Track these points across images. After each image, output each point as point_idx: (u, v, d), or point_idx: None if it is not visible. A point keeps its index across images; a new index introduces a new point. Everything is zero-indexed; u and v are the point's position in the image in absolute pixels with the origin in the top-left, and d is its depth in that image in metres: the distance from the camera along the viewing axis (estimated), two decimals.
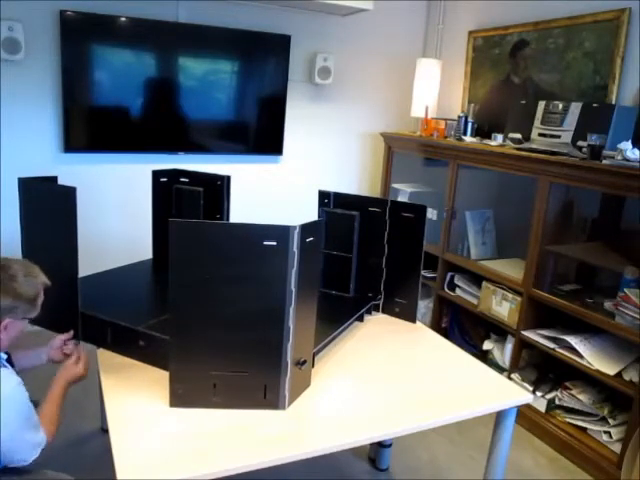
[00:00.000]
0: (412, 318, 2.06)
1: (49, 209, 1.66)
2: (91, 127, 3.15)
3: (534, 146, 2.57)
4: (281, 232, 1.34)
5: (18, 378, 1.37)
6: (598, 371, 2.27)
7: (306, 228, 1.38)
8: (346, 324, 1.92)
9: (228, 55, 3.38)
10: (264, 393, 1.44)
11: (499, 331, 2.90)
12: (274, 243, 1.34)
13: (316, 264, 1.50)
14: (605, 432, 2.33)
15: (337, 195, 2.10)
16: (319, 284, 1.55)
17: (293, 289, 1.38)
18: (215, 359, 1.40)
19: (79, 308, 1.67)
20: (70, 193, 1.57)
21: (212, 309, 1.37)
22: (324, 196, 2.12)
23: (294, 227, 1.34)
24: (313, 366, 1.62)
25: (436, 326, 3.26)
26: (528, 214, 2.56)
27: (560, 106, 2.50)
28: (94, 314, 1.71)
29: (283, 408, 1.46)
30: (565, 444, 2.43)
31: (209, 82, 3.34)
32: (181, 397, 1.42)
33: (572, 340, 2.39)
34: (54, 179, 1.82)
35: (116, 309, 1.79)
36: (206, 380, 1.42)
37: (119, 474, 1.18)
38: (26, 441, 1.37)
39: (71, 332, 1.70)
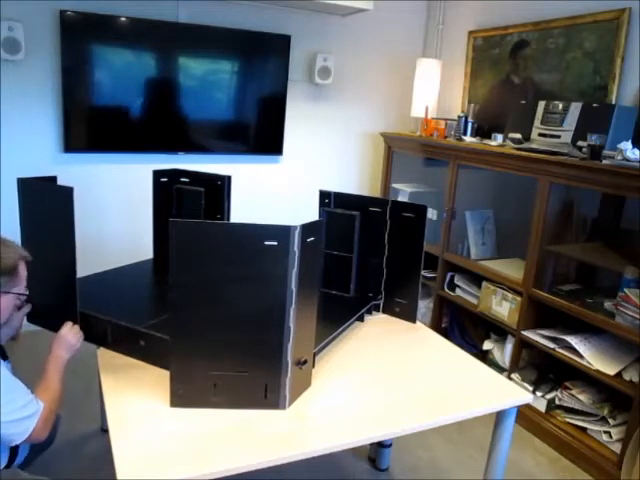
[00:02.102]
0: (412, 318, 2.06)
1: (47, 209, 1.66)
2: (91, 127, 3.15)
3: (534, 146, 2.57)
4: (282, 232, 1.34)
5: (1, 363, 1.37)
6: (598, 371, 2.27)
7: (307, 228, 1.38)
8: (346, 324, 1.92)
9: (228, 55, 3.38)
10: (265, 393, 1.44)
11: (499, 331, 2.90)
12: (275, 243, 1.34)
13: (317, 264, 1.50)
14: (605, 432, 2.33)
15: (338, 195, 2.10)
16: (320, 284, 1.55)
17: (294, 289, 1.38)
18: (216, 359, 1.40)
19: (78, 308, 1.67)
20: (67, 193, 1.57)
21: (213, 309, 1.37)
22: (325, 196, 2.12)
23: (295, 227, 1.34)
24: (313, 366, 1.62)
25: (436, 326, 3.27)
26: (528, 214, 2.56)
27: (560, 106, 2.50)
28: (95, 314, 1.71)
29: (284, 408, 1.46)
30: (565, 444, 2.43)
31: (209, 82, 3.34)
32: (182, 397, 1.42)
33: (572, 340, 2.39)
34: (53, 179, 1.82)
35: (117, 309, 1.79)
36: (207, 380, 1.42)
37: (119, 474, 1.18)
38: (21, 418, 1.37)
39: None
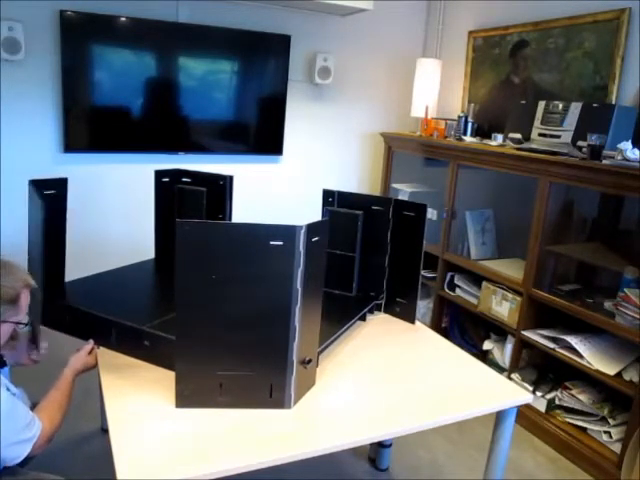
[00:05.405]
0: (411, 319, 2.06)
1: (42, 203, 1.68)
2: (91, 127, 3.14)
3: (534, 146, 2.57)
4: (288, 232, 1.34)
5: (3, 380, 1.36)
6: (598, 371, 2.27)
7: (312, 228, 1.38)
8: (349, 324, 1.92)
9: (228, 55, 3.37)
10: (270, 392, 1.44)
11: (499, 331, 2.90)
12: (280, 243, 1.34)
13: (321, 263, 1.50)
14: (605, 432, 2.33)
15: (341, 194, 2.10)
16: (323, 283, 1.56)
17: (299, 288, 1.38)
18: (221, 359, 1.40)
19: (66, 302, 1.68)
20: (61, 183, 1.60)
21: (218, 309, 1.37)
22: (328, 195, 2.12)
23: (300, 227, 1.34)
24: (317, 365, 1.62)
25: (436, 326, 3.27)
26: (528, 214, 2.56)
27: (560, 106, 2.50)
28: (98, 314, 1.71)
29: (289, 407, 1.46)
30: (565, 444, 2.43)
31: (209, 82, 3.34)
32: (187, 397, 1.42)
33: (572, 340, 2.39)
34: (64, 180, 1.84)
35: (120, 309, 1.79)
36: (212, 380, 1.41)
37: (119, 474, 1.18)
38: (16, 443, 1.35)
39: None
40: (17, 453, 1.36)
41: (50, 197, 1.78)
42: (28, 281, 1.43)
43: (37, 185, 1.74)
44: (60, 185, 1.85)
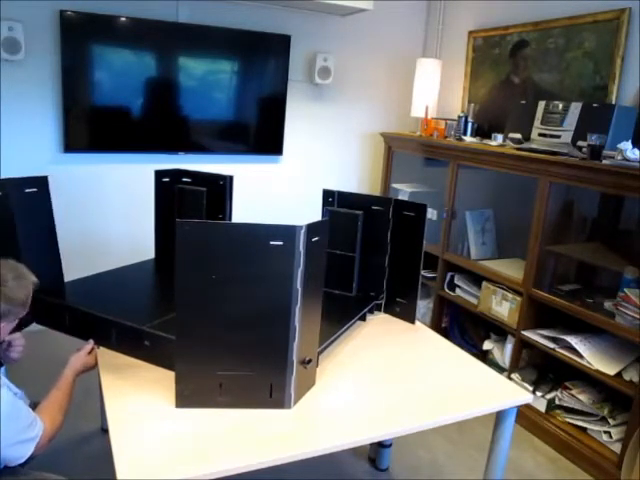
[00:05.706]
0: (411, 319, 2.06)
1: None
2: (91, 127, 3.15)
3: (534, 146, 2.57)
4: (287, 232, 1.34)
5: (4, 380, 1.36)
6: (598, 371, 2.27)
7: (312, 228, 1.38)
8: (349, 324, 1.92)
9: (228, 55, 3.38)
10: (270, 392, 1.44)
11: (499, 331, 2.90)
12: (280, 243, 1.34)
13: (321, 263, 1.50)
14: (605, 432, 2.33)
15: (341, 194, 2.10)
16: (323, 283, 1.56)
17: (299, 288, 1.38)
18: (221, 359, 1.40)
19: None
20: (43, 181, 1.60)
21: (218, 309, 1.37)
22: (328, 195, 2.12)
23: (300, 227, 1.34)
24: (317, 365, 1.62)
25: (436, 326, 3.27)
26: (528, 214, 2.56)
27: (560, 106, 2.50)
28: (99, 314, 1.71)
29: (289, 407, 1.46)
30: (565, 444, 2.43)
31: (209, 82, 3.34)
32: (187, 398, 1.42)
33: (572, 340, 2.39)
34: (44, 179, 1.82)
35: (120, 309, 1.79)
36: (212, 380, 1.41)
37: (119, 474, 1.18)
38: (20, 442, 1.35)
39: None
40: (20, 453, 1.36)
41: (31, 195, 1.78)
42: (35, 280, 1.46)
43: (16, 184, 1.73)
44: (41, 183, 1.83)
